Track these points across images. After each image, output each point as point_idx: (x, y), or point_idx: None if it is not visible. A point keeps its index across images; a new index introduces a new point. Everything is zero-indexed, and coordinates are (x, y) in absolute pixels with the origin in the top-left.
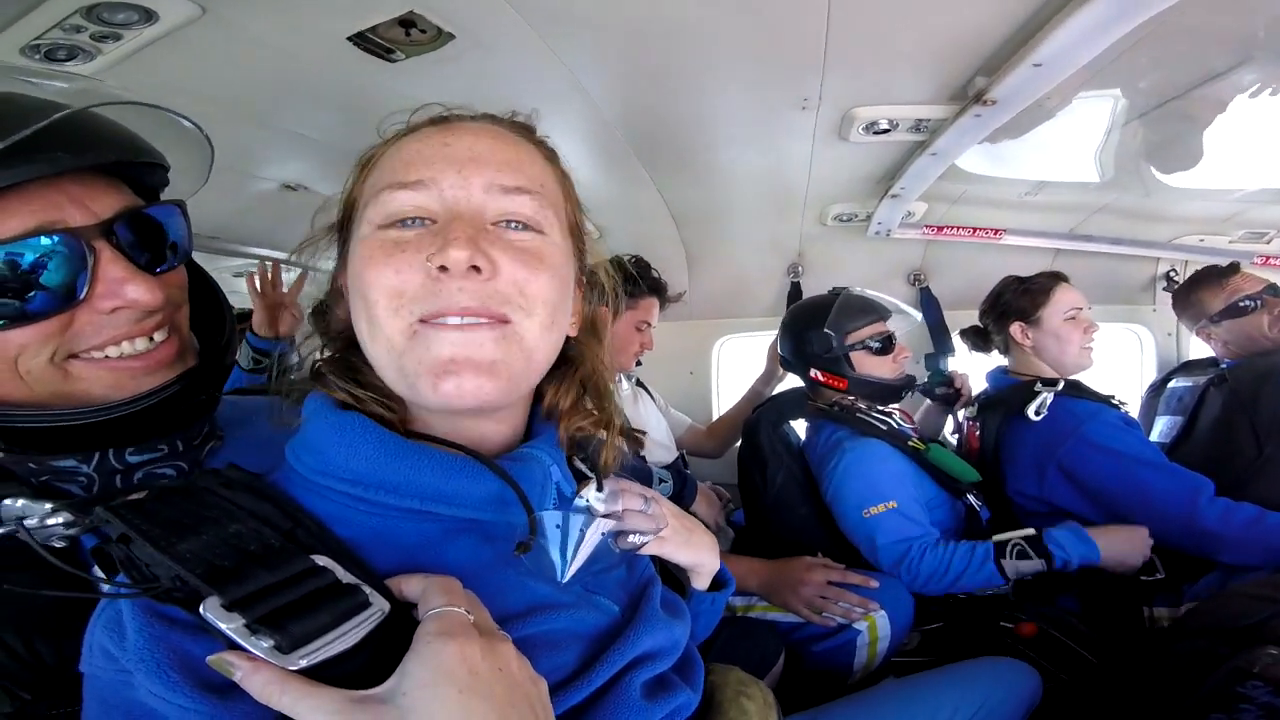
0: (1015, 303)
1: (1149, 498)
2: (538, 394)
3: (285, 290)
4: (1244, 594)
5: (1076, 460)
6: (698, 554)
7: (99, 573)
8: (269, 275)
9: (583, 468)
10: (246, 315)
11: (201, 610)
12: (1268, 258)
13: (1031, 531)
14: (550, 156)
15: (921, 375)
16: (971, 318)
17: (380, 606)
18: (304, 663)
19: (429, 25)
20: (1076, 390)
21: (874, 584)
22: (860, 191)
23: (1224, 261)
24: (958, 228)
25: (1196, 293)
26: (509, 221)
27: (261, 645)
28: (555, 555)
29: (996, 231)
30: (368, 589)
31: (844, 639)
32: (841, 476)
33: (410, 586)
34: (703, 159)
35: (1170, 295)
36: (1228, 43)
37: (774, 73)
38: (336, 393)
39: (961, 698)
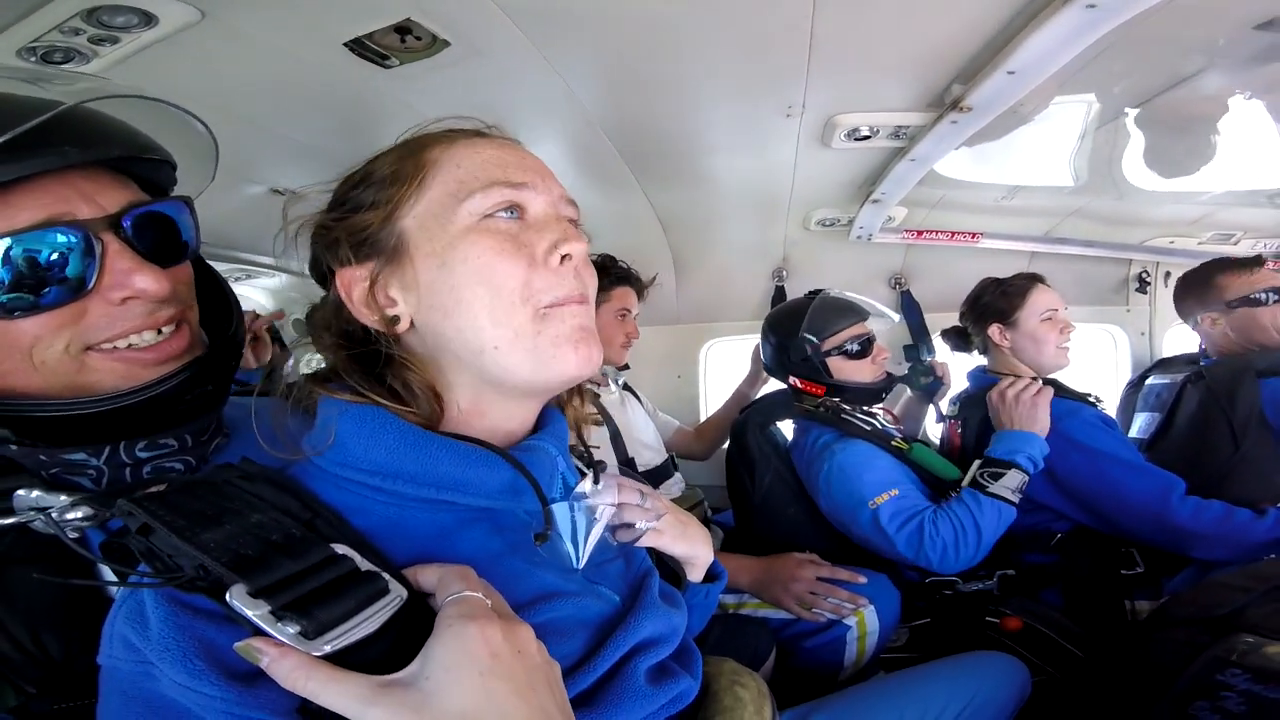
0: (993, 304)
1: (1122, 495)
2: None
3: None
4: (1221, 584)
5: (1054, 456)
6: (693, 546)
7: (106, 569)
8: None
9: (579, 463)
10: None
11: (228, 598)
12: None
13: (977, 462)
14: None
15: (901, 368)
16: (951, 320)
17: (399, 592)
18: (329, 648)
19: (424, 32)
20: (1054, 389)
21: (862, 579)
22: (842, 197)
23: (1194, 263)
24: (937, 232)
25: (1216, 278)
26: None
27: (287, 631)
28: (569, 545)
29: (974, 235)
30: (386, 576)
31: (834, 635)
32: (837, 479)
33: (426, 576)
34: (690, 165)
35: (1172, 288)
36: (1191, 50)
37: (759, 81)
38: (350, 395)
39: (953, 692)
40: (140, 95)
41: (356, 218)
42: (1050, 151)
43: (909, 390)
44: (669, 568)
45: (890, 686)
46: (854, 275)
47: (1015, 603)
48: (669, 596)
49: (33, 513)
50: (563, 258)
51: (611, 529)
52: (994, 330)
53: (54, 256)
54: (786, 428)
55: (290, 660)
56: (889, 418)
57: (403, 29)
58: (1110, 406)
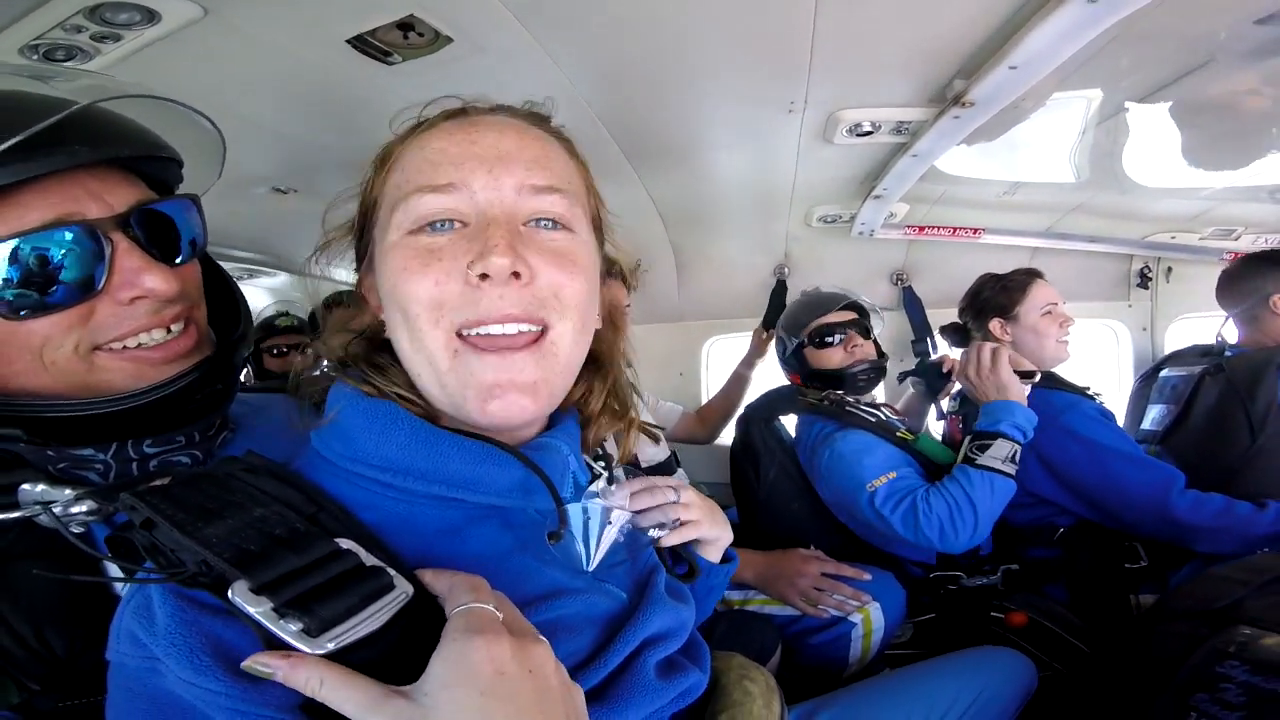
0: (994, 299)
1: (1123, 488)
2: None
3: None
4: (1220, 577)
5: (1054, 449)
6: (724, 529)
7: (111, 565)
8: None
9: (591, 463)
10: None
11: (230, 594)
12: (1236, 254)
13: (967, 439)
14: (570, 148)
15: (911, 364)
16: (953, 315)
17: (405, 589)
18: (332, 645)
19: (427, 28)
20: (1054, 382)
21: (866, 576)
22: (844, 193)
23: (1196, 258)
24: (938, 228)
25: (1276, 268)
26: (539, 220)
27: (290, 629)
28: (579, 545)
29: (976, 231)
30: (392, 571)
31: (839, 631)
32: (836, 466)
33: (438, 582)
34: (692, 162)
35: (1222, 273)
36: (1192, 45)
37: (761, 77)
38: (365, 386)
39: (960, 687)
40: (152, 95)
41: (357, 216)
42: (1051, 147)
43: (911, 388)
44: (672, 563)
45: (896, 683)
46: (856, 271)
47: (1019, 598)
48: (675, 592)
49: (37, 507)
50: (481, 276)
51: (629, 529)
52: (995, 325)
53: (63, 257)
54: (790, 422)
55: (302, 672)
56: (891, 412)
57: (405, 25)
58: (1110, 401)
